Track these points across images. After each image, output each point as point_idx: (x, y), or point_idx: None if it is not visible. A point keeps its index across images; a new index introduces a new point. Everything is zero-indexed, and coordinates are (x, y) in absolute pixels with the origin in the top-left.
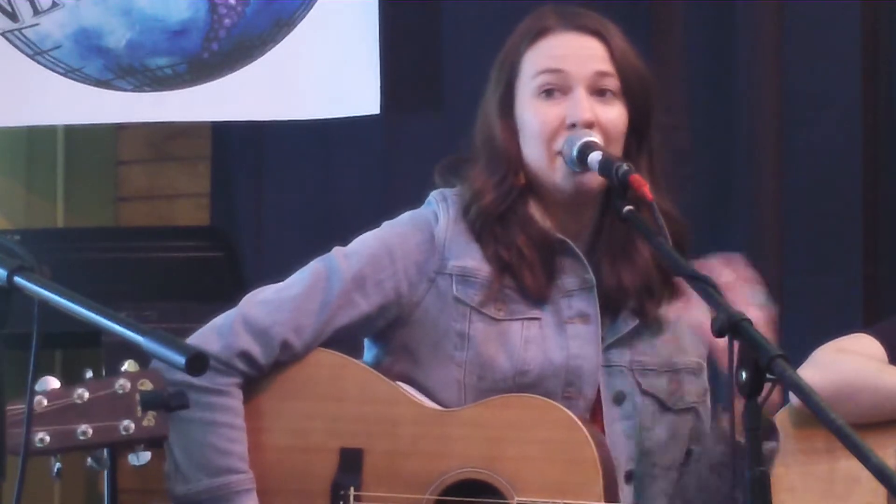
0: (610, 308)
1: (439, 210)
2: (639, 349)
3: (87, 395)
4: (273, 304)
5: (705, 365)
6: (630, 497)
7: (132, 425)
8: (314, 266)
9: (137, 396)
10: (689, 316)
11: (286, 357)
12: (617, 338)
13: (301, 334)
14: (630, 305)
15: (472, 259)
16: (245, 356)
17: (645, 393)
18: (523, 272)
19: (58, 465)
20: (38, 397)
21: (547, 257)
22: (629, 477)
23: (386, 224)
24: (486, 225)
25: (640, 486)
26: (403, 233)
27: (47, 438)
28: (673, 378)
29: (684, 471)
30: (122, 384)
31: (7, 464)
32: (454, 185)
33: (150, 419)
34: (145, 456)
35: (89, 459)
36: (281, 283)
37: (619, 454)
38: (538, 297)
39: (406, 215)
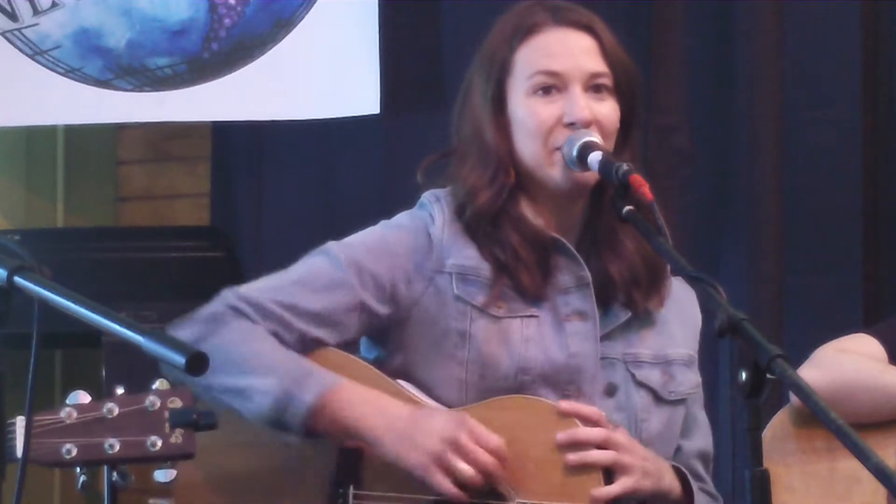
0: (601, 301)
1: (434, 210)
2: (631, 341)
3: (116, 409)
4: (270, 284)
5: (696, 357)
6: None
7: (159, 441)
8: (310, 256)
9: (166, 414)
10: (679, 309)
11: (284, 334)
12: (610, 330)
13: (297, 313)
14: (620, 298)
15: (470, 258)
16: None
17: (639, 384)
18: (520, 272)
19: (83, 477)
20: (67, 409)
21: (542, 256)
22: None
23: (382, 223)
24: (481, 225)
25: None
26: (400, 231)
27: (74, 450)
28: (665, 370)
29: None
30: (153, 401)
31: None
32: (442, 185)
33: (177, 436)
34: (171, 473)
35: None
36: (276, 273)
37: None
38: (535, 296)
39: (402, 215)
